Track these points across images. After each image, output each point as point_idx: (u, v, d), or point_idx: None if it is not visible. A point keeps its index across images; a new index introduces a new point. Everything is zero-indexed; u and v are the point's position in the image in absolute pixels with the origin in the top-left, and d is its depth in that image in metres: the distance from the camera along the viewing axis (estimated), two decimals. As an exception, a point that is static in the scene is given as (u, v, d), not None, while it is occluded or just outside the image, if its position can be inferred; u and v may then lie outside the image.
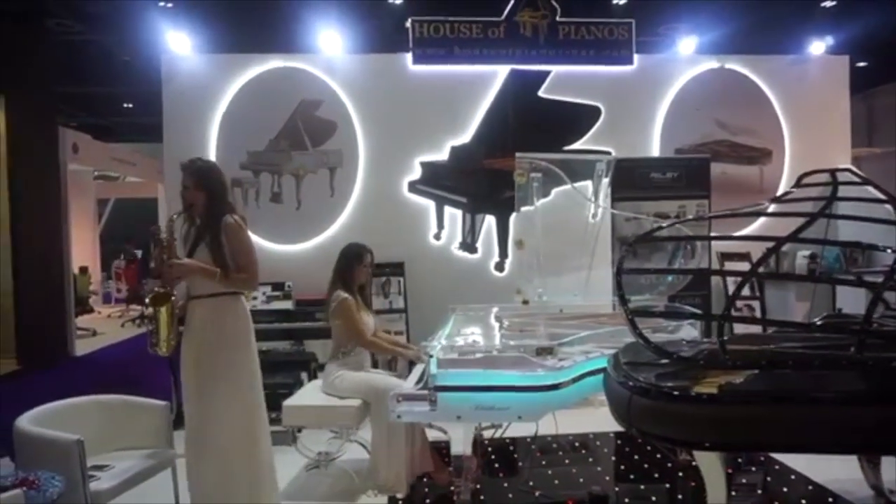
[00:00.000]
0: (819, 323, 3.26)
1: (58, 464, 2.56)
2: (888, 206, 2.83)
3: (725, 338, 3.01)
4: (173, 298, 2.98)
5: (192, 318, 3.05)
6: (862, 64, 10.76)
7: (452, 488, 3.12)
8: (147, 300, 2.95)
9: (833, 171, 3.17)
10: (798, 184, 3.46)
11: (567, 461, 4.25)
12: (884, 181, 6.76)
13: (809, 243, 4.39)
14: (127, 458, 3.03)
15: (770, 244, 2.71)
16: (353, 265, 4.03)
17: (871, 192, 3.10)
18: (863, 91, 12.56)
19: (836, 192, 3.08)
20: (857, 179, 3.26)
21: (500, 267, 5.79)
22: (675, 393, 2.22)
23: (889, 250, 2.46)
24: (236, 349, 3.05)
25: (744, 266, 5.52)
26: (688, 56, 6.18)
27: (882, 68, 10.24)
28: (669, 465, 4.04)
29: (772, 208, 3.75)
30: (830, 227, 3.94)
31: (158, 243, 2.94)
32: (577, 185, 4.22)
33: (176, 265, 2.94)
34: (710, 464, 2.93)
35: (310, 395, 4.02)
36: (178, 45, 5.62)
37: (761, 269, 2.86)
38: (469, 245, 5.80)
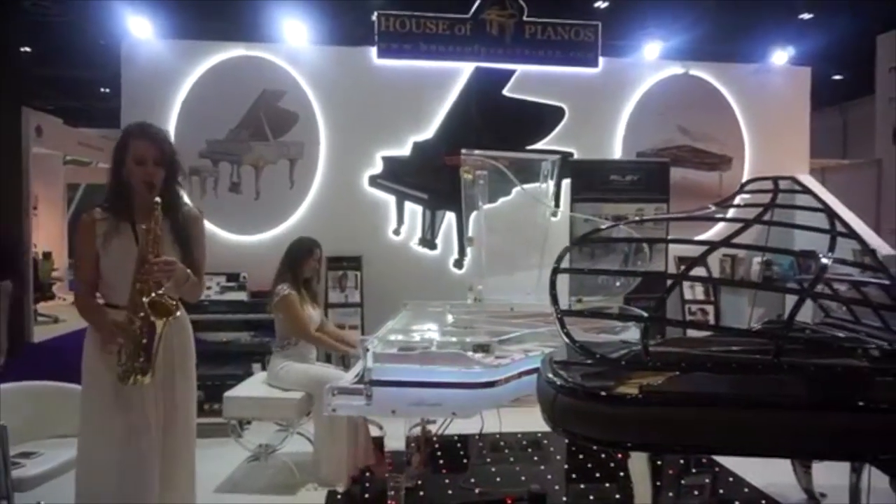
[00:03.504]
0: (755, 328, 3.31)
1: (-20, 450, 2.52)
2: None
3: (659, 339, 3.06)
4: (178, 313, 2.36)
5: None
6: (837, 77, 10.93)
7: (390, 483, 3.12)
8: (145, 301, 2.21)
9: (775, 179, 3.22)
10: (741, 190, 3.52)
11: (513, 459, 4.27)
12: (851, 192, 6.87)
13: (751, 250, 4.47)
14: (58, 447, 2.97)
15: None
16: (300, 259, 4.04)
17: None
18: (839, 104, 12.75)
19: (776, 199, 3.13)
20: (798, 188, 3.29)
21: (458, 264, 5.77)
22: (598, 393, 2.23)
23: (821, 257, 2.48)
24: (193, 358, 2.65)
25: (699, 270, 5.55)
26: (653, 61, 6.22)
27: (858, 82, 10.39)
28: (612, 464, 4.07)
29: (731, 213, 3.82)
30: (788, 234, 4.01)
31: (149, 233, 2.25)
32: (537, 185, 4.25)
33: (164, 262, 2.27)
34: (637, 464, 2.98)
35: (253, 386, 3.99)
36: (139, 29, 5.53)
37: (695, 273, 2.88)
38: (428, 241, 5.79)
